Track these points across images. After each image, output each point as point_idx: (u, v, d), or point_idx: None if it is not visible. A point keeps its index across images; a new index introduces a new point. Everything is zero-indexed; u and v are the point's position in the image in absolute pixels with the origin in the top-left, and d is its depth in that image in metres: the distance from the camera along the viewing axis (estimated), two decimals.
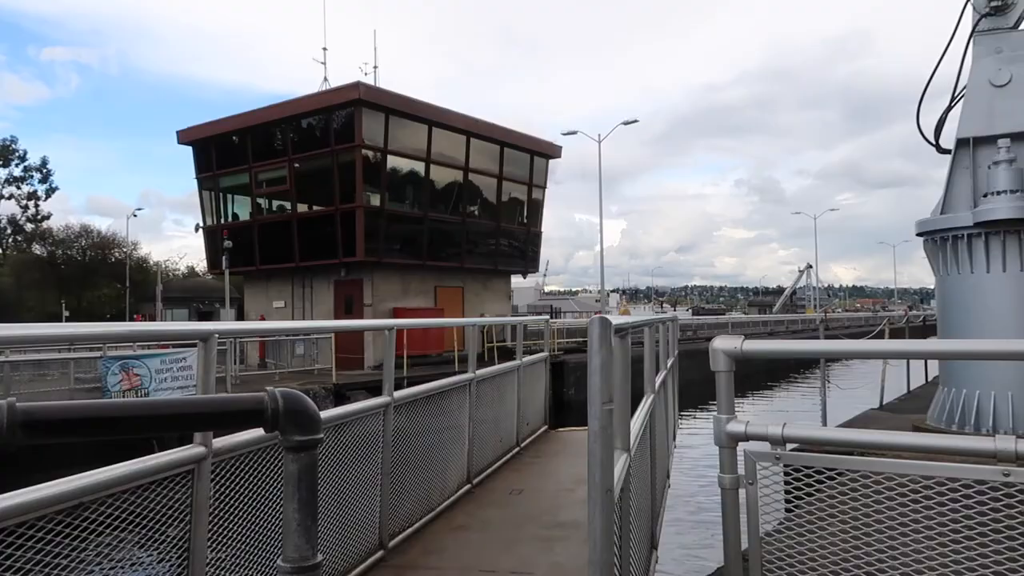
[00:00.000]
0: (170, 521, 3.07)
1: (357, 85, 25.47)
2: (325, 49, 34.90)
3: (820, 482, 2.39)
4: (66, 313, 43.86)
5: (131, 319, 42.58)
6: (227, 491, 3.37)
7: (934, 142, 10.42)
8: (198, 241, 34.48)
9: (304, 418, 1.60)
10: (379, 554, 5.09)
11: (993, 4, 9.66)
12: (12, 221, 59.84)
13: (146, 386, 15.82)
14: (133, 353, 16.45)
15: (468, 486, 7.06)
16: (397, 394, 5.31)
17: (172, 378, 16.24)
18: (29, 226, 60.17)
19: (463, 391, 7.01)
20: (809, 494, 2.41)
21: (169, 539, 3.10)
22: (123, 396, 15.23)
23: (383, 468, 5.12)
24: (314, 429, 1.61)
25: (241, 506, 3.44)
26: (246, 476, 3.48)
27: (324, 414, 4.30)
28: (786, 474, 2.42)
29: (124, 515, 2.74)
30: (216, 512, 3.28)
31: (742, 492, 2.39)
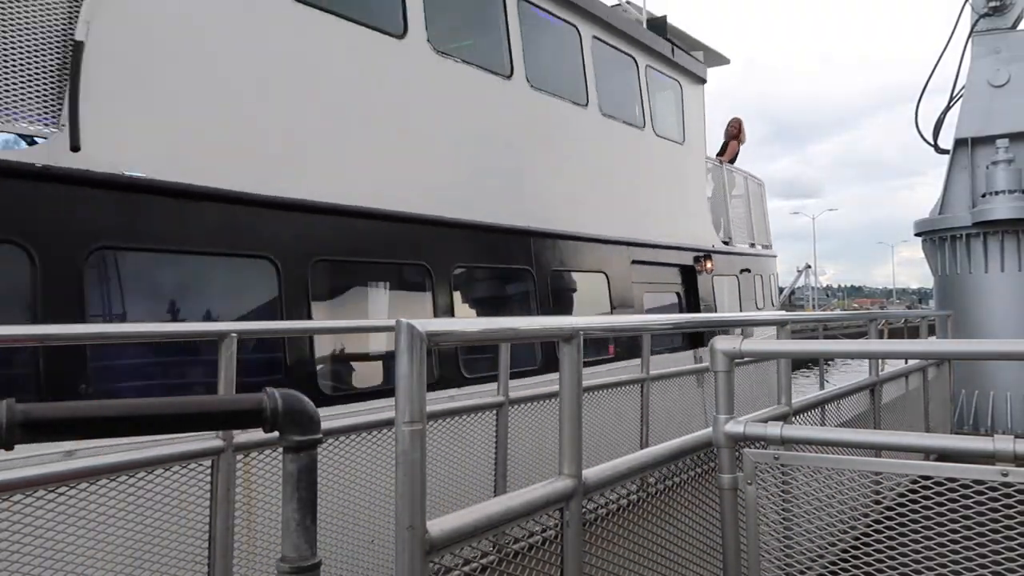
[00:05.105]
0: (193, 509, 3.11)
1: None
2: None
3: (819, 482, 2.39)
4: None
5: None
6: (258, 481, 3.37)
7: (932, 142, 10.42)
8: None
9: (303, 418, 1.59)
10: None
11: (992, 4, 9.66)
12: None
13: None
14: None
15: None
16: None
17: None
18: None
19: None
20: (808, 494, 2.41)
21: (192, 526, 3.13)
22: None
23: None
24: (313, 429, 1.60)
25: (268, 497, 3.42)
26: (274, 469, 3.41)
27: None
28: (784, 474, 2.42)
29: (146, 496, 2.88)
30: (244, 504, 3.30)
31: (741, 492, 2.39)
